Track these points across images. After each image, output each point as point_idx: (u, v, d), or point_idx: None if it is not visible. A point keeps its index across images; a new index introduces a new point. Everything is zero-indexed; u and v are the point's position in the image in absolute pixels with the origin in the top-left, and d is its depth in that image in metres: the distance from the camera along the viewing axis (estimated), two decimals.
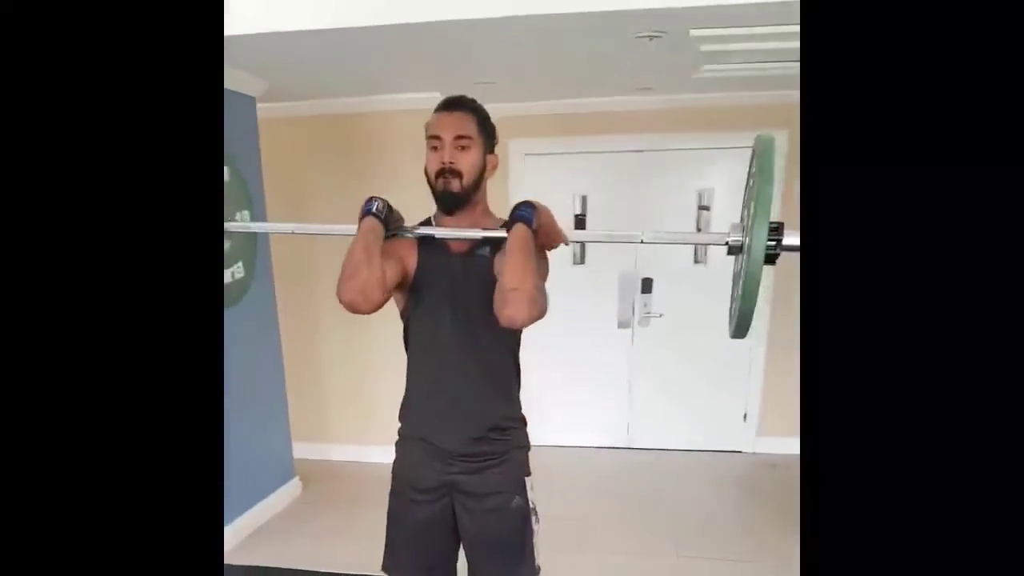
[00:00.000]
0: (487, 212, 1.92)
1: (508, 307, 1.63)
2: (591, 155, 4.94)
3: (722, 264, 4.80)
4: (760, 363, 4.97)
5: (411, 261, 1.88)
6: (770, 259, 1.44)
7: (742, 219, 1.62)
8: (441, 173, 1.80)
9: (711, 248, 4.88)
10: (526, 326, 1.70)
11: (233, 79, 3.62)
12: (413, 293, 1.90)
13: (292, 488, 4.46)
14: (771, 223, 1.42)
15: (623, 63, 3.59)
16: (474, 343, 1.85)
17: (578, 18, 2.70)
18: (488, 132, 1.88)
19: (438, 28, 2.83)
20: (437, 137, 1.80)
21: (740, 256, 1.57)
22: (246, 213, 2.02)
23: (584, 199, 5.01)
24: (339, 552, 3.63)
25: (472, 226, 1.85)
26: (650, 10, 2.62)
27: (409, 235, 1.86)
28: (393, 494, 2.02)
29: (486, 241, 1.80)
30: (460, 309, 1.85)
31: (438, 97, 4.33)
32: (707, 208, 4.84)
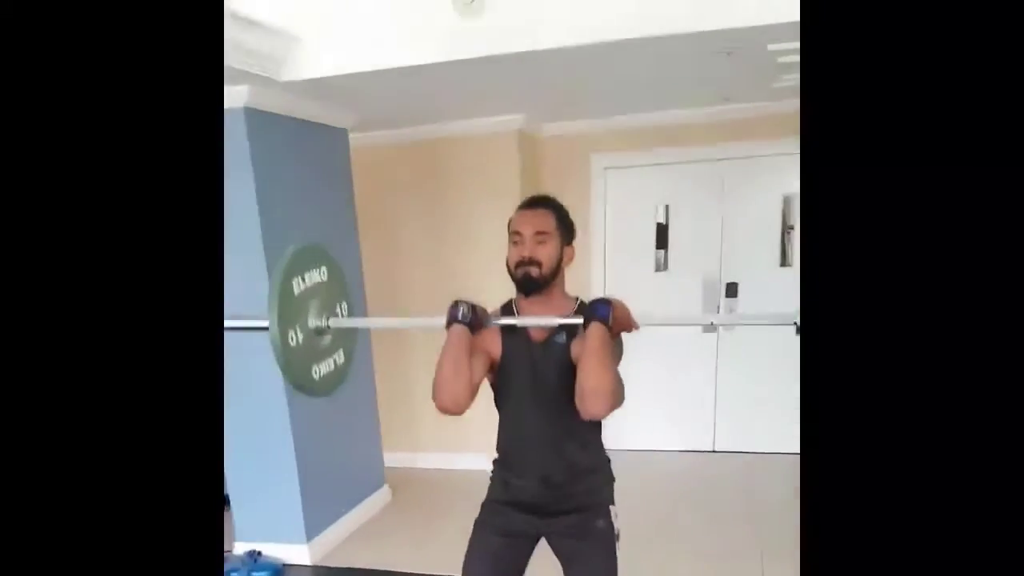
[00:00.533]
0: (564, 297, 2.04)
1: (588, 405, 1.77)
2: (672, 166, 4.98)
3: None
4: None
5: (496, 349, 2.02)
6: None
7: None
8: (521, 264, 1.93)
9: (797, 249, 4.86)
10: (605, 417, 1.85)
11: (325, 113, 3.82)
12: (499, 377, 2.06)
13: (382, 495, 4.62)
14: None
15: (701, 77, 3.64)
16: (558, 416, 1.98)
17: (657, 41, 2.76)
18: (566, 227, 2.00)
19: (521, 58, 2.93)
20: (518, 233, 1.94)
21: None
22: (345, 305, 2.18)
23: (667, 208, 5.05)
24: (426, 555, 3.77)
25: (550, 309, 1.98)
26: (728, 30, 2.67)
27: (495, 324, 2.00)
28: (481, 512, 2.16)
29: (562, 328, 1.94)
30: (541, 395, 2.00)
31: (522, 119, 4.45)
32: (790, 227, 4.82)
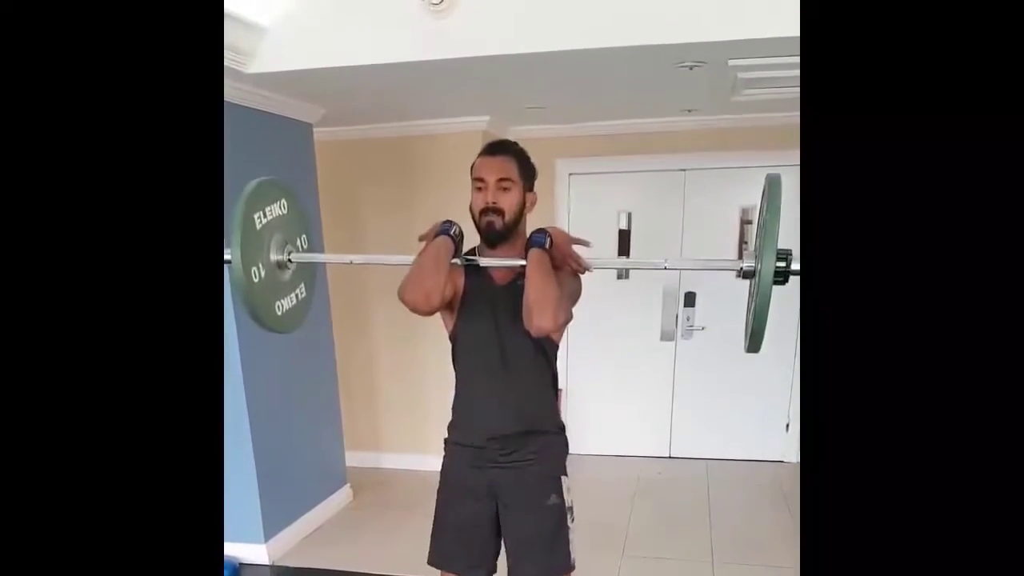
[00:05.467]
0: (526, 245, 2.05)
1: (534, 317, 1.82)
2: (635, 174, 5.06)
3: None
4: None
5: (459, 284, 2.07)
6: (777, 282, 1.59)
7: (754, 247, 1.76)
8: (485, 211, 1.97)
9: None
10: (554, 332, 1.90)
11: (291, 107, 3.82)
12: (460, 315, 2.10)
13: (343, 495, 4.62)
14: (779, 250, 1.57)
15: (665, 88, 3.71)
16: (512, 359, 2.05)
17: (622, 52, 2.83)
18: (528, 173, 2.05)
19: (489, 62, 2.98)
20: (481, 179, 1.98)
21: (752, 280, 1.72)
22: (304, 237, 2.16)
23: (629, 215, 5.13)
24: (387, 555, 3.77)
25: (513, 257, 2.00)
26: (690, 44, 2.74)
27: (459, 263, 2.01)
28: (439, 494, 2.21)
29: (524, 272, 1.94)
30: (501, 331, 2.04)
31: (487, 121, 4.50)
32: (750, 222, 4.92)
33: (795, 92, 3.70)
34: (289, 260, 2.04)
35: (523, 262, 1.91)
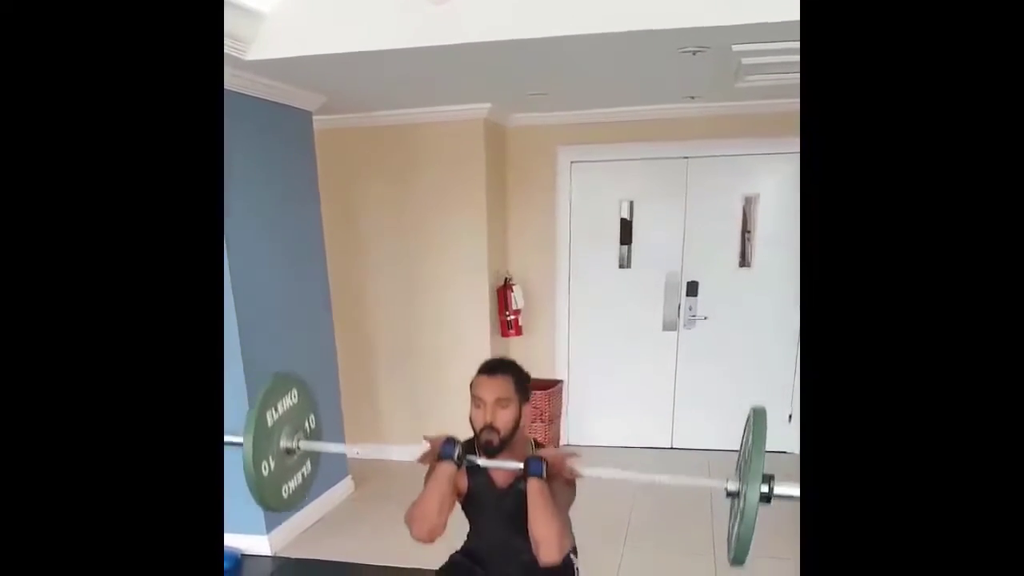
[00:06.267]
0: (523, 450, 2.16)
1: (541, 553, 1.95)
2: (637, 162, 5.03)
3: (767, 268, 4.89)
4: None
5: (463, 484, 2.20)
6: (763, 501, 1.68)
7: (738, 469, 1.88)
8: (483, 429, 2.09)
9: (756, 252, 4.95)
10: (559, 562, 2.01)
11: (291, 94, 3.79)
12: (467, 511, 2.27)
13: (345, 487, 4.62)
14: (764, 475, 1.66)
15: (667, 75, 3.68)
16: (521, 546, 2.08)
17: (624, 37, 2.79)
18: (524, 390, 2.16)
19: (490, 48, 2.95)
20: (480, 399, 2.10)
21: (736, 499, 1.82)
22: (312, 417, 2.24)
23: (632, 204, 5.11)
24: (389, 546, 3.76)
25: (511, 461, 2.10)
26: (694, 29, 2.71)
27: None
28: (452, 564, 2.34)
29: (523, 475, 2.04)
30: (509, 530, 2.15)
31: (489, 108, 4.47)
32: (752, 211, 4.91)
33: (798, 78, 3.66)
34: (297, 447, 2.16)
35: (520, 466, 2.03)
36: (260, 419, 2.02)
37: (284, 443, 2.12)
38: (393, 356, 5.10)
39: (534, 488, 1.98)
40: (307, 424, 2.23)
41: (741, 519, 1.70)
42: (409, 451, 2.15)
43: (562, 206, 5.11)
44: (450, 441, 2.09)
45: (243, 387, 3.53)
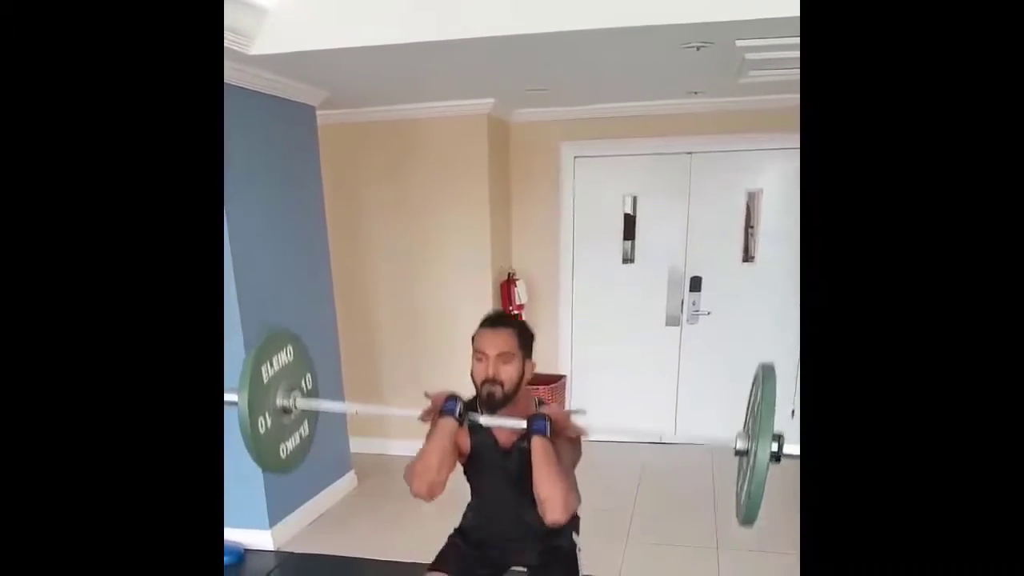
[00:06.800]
0: (527, 408, 2.11)
1: (547, 513, 1.90)
2: (640, 157, 5.02)
3: (770, 263, 4.88)
4: None
5: (464, 443, 2.14)
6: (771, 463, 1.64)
7: (746, 427, 1.84)
8: (485, 383, 2.03)
9: (759, 247, 4.95)
10: (567, 520, 1.97)
11: (294, 89, 3.79)
12: (470, 471, 2.21)
13: (348, 481, 4.62)
14: (773, 434, 1.63)
15: (671, 70, 3.67)
16: (523, 507, 2.07)
17: (628, 32, 2.79)
18: (527, 344, 2.11)
19: (492, 43, 2.94)
20: (483, 352, 2.04)
21: (745, 458, 1.79)
22: (309, 377, 2.22)
23: (635, 199, 5.10)
24: (392, 541, 3.78)
25: (514, 419, 2.06)
26: (698, 24, 2.70)
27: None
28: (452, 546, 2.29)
29: (527, 434, 2.00)
30: (514, 490, 2.09)
31: (491, 103, 4.46)
32: (755, 206, 4.90)
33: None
34: (294, 405, 2.12)
35: (523, 424, 1.98)
36: (255, 373, 1.96)
37: (280, 401, 2.07)
38: (397, 349, 5.10)
39: (538, 446, 1.93)
40: (304, 384, 2.18)
41: (751, 477, 1.65)
42: (411, 412, 2.10)
43: (565, 201, 5.11)
44: (452, 397, 2.04)
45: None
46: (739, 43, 3.01)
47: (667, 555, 3.70)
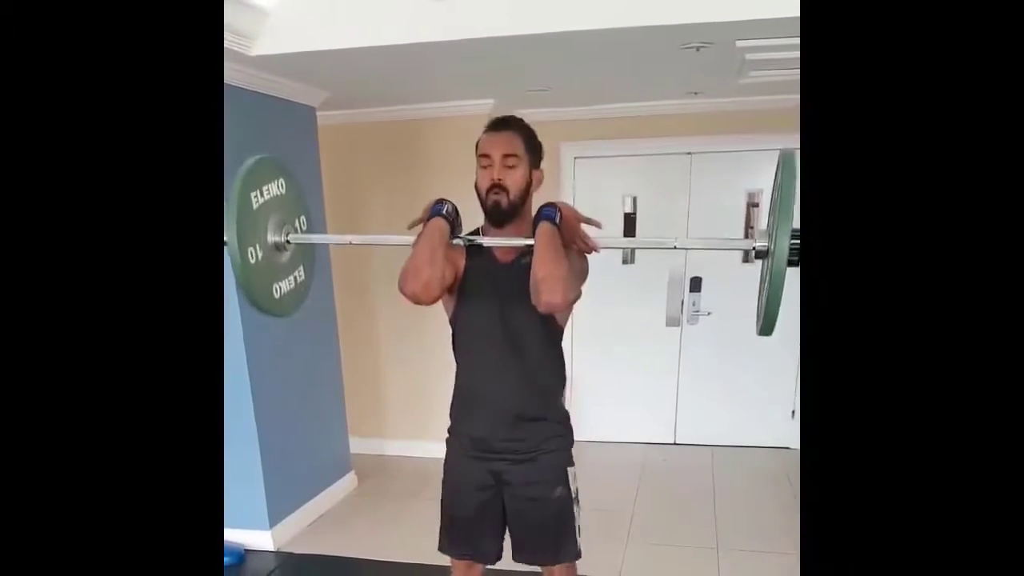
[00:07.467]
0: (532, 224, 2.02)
1: (543, 294, 1.74)
2: (640, 158, 5.03)
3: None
4: None
5: (460, 266, 2.02)
6: (792, 262, 1.54)
7: (767, 226, 1.72)
8: (491, 189, 1.93)
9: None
10: (563, 309, 1.85)
11: (294, 90, 3.79)
12: (460, 297, 2.05)
13: (348, 482, 4.61)
14: (793, 230, 1.52)
15: (670, 70, 3.67)
16: (517, 342, 2.00)
17: (628, 32, 2.79)
18: (534, 150, 1.99)
19: (493, 43, 2.94)
20: (487, 156, 1.94)
21: (766, 260, 1.68)
22: (303, 219, 2.14)
23: (635, 200, 5.10)
24: (392, 542, 3.78)
25: (517, 237, 1.97)
26: (698, 24, 2.70)
27: (460, 243, 1.98)
28: (445, 485, 2.19)
29: (529, 251, 1.90)
30: (505, 313, 1.99)
31: (492, 104, 4.47)
32: (756, 206, 4.89)
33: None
34: (287, 241, 2.01)
35: (528, 241, 1.86)
36: (243, 198, 1.85)
37: (272, 237, 1.97)
38: (397, 351, 5.10)
39: (544, 231, 1.80)
40: (298, 224, 2.08)
41: (770, 276, 1.57)
42: (407, 238, 1.95)
43: (565, 201, 5.08)
44: (441, 200, 1.93)
45: (246, 384, 3.53)
46: (739, 43, 3.02)
47: (667, 555, 3.70)
